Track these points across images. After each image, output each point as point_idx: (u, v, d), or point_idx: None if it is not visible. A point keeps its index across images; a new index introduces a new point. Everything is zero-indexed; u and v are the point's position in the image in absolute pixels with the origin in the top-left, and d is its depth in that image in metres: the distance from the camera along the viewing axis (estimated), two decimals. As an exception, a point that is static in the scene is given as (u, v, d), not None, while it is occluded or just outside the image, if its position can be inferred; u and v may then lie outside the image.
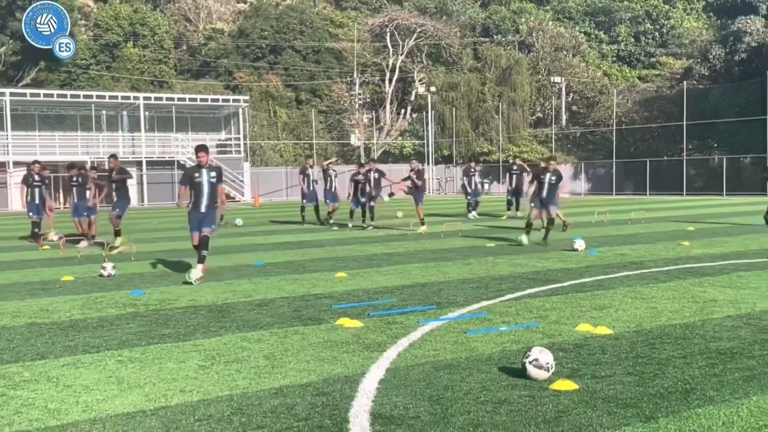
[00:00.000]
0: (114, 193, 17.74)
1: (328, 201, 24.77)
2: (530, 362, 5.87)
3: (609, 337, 7.41)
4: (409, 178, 22.31)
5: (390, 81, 69.00)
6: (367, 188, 23.06)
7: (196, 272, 11.86)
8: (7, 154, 48.18)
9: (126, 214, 18.12)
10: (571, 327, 7.87)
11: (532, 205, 17.00)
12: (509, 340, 7.32)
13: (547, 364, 5.85)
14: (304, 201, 25.28)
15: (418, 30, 68.61)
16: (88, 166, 25.74)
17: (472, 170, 27.97)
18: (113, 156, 18.73)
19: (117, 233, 17.55)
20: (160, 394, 5.79)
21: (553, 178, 16.94)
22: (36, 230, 20.07)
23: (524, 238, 16.66)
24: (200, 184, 12.00)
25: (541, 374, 5.84)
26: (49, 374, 6.49)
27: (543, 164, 18.78)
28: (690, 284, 10.63)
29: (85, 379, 6.31)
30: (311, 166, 25.48)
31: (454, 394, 5.59)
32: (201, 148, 12.09)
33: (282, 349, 7.19)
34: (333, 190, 24.71)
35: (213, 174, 12.13)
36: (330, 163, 27.11)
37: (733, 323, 7.91)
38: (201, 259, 12.08)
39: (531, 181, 17.42)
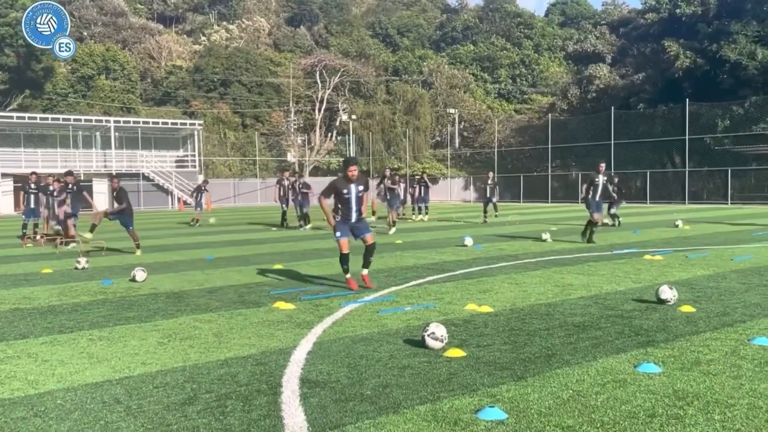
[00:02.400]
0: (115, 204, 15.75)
1: (297, 207, 23.46)
2: (428, 335, 5.90)
3: (490, 314, 7.51)
4: (382, 183, 20.50)
5: (319, 110, 68.73)
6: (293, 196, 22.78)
7: (370, 282, 9.59)
8: (-4, 167, 46.45)
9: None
10: (461, 306, 7.94)
11: (591, 209, 15.47)
12: (412, 318, 7.36)
13: (442, 336, 5.90)
14: (283, 206, 24.20)
15: (342, 69, 68.65)
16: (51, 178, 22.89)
17: (399, 181, 27.33)
18: (113, 176, 17.46)
19: (92, 228, 15.52)
20: (124, 367, 5.59)
21: (605, 178, 15.78)
22: (24, 231, 19.19)
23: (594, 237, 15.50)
24: (348, 200, 9.25)
25: (436, 344, 5.87)
26: (29, 351, 6.21)
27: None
28: (553, 272, 10.85)
29: (60, 354, 6.05)
30: (287, 178, 24.32)
31: (368, 362, 5.58)
32: (352, 162, 9.28)
33: (228, 328, 7.05)
34: (300, 198, 23.24)
35: (361, 188, 9.32)
36: (298, 175, 25.63)
37: (585, 302, 8.11)
38: (367, 264, 9.67)
39: (587, 188, 15.77)
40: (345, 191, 9.23)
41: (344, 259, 9.39)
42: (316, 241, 17.66)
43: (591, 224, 15.56)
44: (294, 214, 24.17)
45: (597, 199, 15.63)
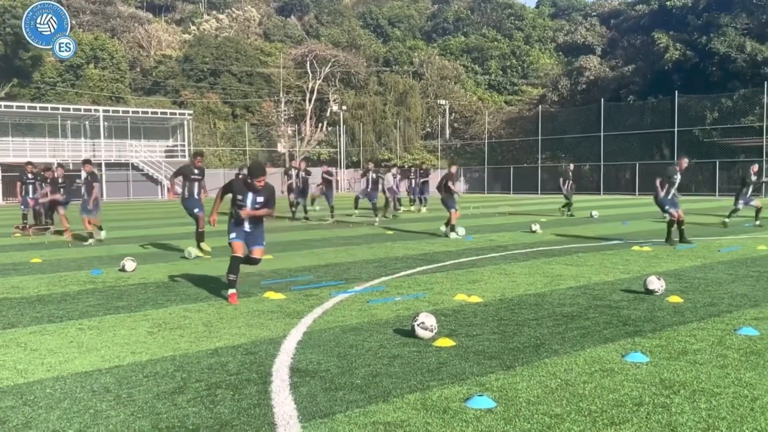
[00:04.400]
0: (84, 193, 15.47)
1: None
2: (418, 325, 5.92)
3: (479, 304, 7.55)
4: (447, 182, 16.11)
5: (309, 100, 68.52)
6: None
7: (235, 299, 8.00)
8: (-17, 156, 46.19)
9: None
10: (451, 297, 7.97)
11: (668, 207, 13.39)
12: (402, 308, 7.37)
13: (431, 326, 5.92)
14: (291, 197, 23.34)
15: (333, 60, 68.39)
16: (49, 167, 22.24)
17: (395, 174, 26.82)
18: (87, 161, 16.90)
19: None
20: (114, 356, 5.58)
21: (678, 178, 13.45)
22: (25, 221, 19.06)
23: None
24: (242, 209, 7.97)
25: (426, 334, 5.90)
26: (18, 340, 6.18)
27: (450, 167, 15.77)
28: (542, 263, 10.91)
29: (49, 344, 6.03)
30: (294, 167, 23.55)
31: (358, 351, 5.60)
32: (260, 172, 7.93)
33: (218, 318, 7.05)
34: (305, 188, 22.54)
35: (260, 200, 7.97)
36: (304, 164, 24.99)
37: (573, 293, 8.16)
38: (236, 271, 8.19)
39: (662, 185, 13.45)
40: (239, 198, 7.95)
41: (234, 266, 8.04)
42: (306, 232, 17.65)
43: (672, 224, 13.51)
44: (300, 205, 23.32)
45: (671, 197, 13.51)
